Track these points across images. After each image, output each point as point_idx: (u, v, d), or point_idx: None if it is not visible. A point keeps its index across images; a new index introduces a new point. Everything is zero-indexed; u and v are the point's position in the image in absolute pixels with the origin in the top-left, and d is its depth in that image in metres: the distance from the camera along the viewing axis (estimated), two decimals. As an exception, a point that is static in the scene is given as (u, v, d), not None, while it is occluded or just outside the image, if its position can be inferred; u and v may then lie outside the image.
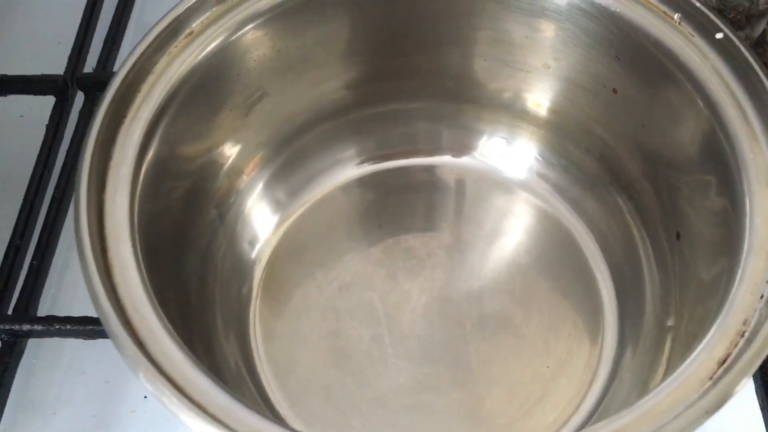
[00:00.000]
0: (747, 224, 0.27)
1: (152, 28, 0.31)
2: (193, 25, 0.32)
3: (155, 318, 0.25)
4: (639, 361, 0.34)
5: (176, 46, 0.31)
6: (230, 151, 0.36)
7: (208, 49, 0.32)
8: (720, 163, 0.29)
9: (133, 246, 0.27)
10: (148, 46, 0.31)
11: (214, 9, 0.32)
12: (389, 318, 0.37)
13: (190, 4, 0.32)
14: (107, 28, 0.47)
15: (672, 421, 0.23)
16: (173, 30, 0.31)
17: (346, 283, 0.38)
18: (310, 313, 0.37)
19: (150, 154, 0.30)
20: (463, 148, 0.41)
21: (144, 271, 0.27)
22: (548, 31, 0.35)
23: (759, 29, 0.43)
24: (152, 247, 0.29)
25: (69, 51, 0.45)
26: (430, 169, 0.41)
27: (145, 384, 0.24)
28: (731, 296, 0.25)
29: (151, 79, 0.30)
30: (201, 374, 0.24)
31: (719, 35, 0.30)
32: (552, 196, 0.40)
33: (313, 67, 0.36)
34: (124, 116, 0.29)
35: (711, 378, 0.24)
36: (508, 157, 0.41)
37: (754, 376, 0.34)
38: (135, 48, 0.30)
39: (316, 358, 0.36)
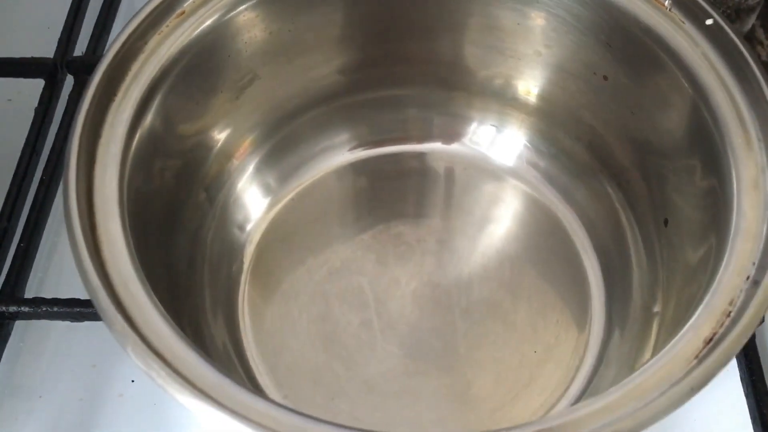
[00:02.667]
0: (734, 207, 0.27)
1: (143, 6, 0.31)
2: (185, 4, 0.32)
3: (144, 294, 0.25)
4: (626, 347, 0.34)
5: (167, 26, 0.31)
6: (220, 133, 0.36)
7: (200, 29, 0.32)
8: (708, 147, 0.29)
9: (122, 223, 0.27)
10: (139, 25, 0.30)
11: (205, -11, 0.32)
12: (378, 303, 0.37)
13: (182, -16, 0.32)
14: (98, 12, 0.47)
15: (658, 398, 0.23)
16: (164, 9, 0.31)
17: (335, 268, 0.38)
18: (299, 298, 0.37)
19: (139, 133, 0.30)
20: (453, 135, 0.41)
21: (133, 248, 0.26)
22: (539, 17, 0.35)
23: (748, 24, 0.43)
24: (141, 226, 0.29)
25: (59, 34, 0.45)
26: (420, 156, 0.41)
27: (133, 358, 0.24)
28: (718, 278, 0.26)
29: (141, 58, 0.30)
30: (190, 350, 0.24)
31: (709, 21, 0.30)
32: (541, 184, 0.40)
33: (305, 52, 0.36)
34: (115, 94, 0.29)
35: (697, 357, 0.24)
36: (498, 145, 0.41)
37: (739, 363, 0.35)
38: (126, 26, 0.30)
39: (305, 342, 0.36)
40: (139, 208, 0.29)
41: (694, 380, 0.23)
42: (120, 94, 0.29)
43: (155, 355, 0.24)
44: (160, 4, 0.31)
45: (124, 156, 0.28)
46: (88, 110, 0.28)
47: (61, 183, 0.40)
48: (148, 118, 0.30)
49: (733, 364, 0.35)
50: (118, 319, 0.24)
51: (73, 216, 0.26)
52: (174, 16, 0.31)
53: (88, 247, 0.25)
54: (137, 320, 0.25)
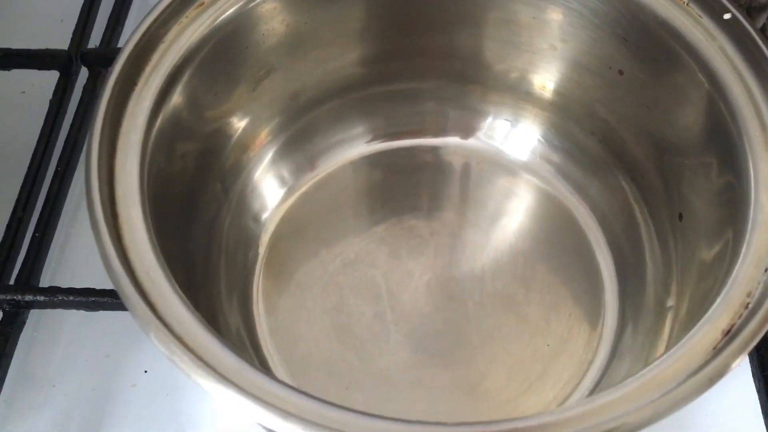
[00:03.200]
0: (752, 199, 0.27)
1: (163, -2, 0.31)
2: (204, -4, 0.32)
3: (165, 281, 0.25)
4: (639, 341, 0.34)
5: (187, 17, 0.31)
6: (238, 124, 0.36)
7: (219, 20, 0.32)
8: (725, 143, 0.29)
9: (143, 211, 0.27)
10: (159, 15, 0.31)
11: (225, -19, 0.32)
12: (392, 295, 0.37)
13: (201, -24, 0.32)
14: (112, 4, 0.47)
15: (675, 389, 0.23)
16: (184, 0, 0.31)
17: (349, 259, 0.38)
18: (313, 289, 0.37)
19: (159, 122, 0.30)
20: (468, 129, 0.41)
21: (154, 236, 0.27)
22: (556, 11, 0.35)
23: (760, 22, 0.43)
24: (160, 215, 0.29)
25: (73, 26, 0.45)
26: (435, 150, 0.41)
27: (156, 344, 0.24)
28: (735, 270, 0.26)
29: (161, 48, 0.30)
30: (211, 336, 0.24)
31: (727, 16, 0.30)
32: (555, 178, 0.40)
33: (322, 44, 0.36)
34: (135, 84, 0.29)
35: (715, 348, 0.24)
36: (512, 139, 0.41)
37: (751, 359, 0.35)
38: (146, 17, 0.30)
39: (319, 333, 0.36)
40: (158, 196, 0.29)
41: (713, 371, 0.23)
42: (140, 84, 0.29)
43: (178, 341, 0.24)
44: (180, -6, 0.31)
45: (145, 145, 0.29)
46: (110, 99, 0.28)
47: (78, 172, 0.41)
48: (169, 107, 0.30)
49: (745, 360, 0.35)
50: (141, 305, 0.24)
51: (95, 204, 0.26)
52: (194, 6, 0.31)
53: (110, 235, 0.25)
54: (159, 307, 0.25)
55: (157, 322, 0.24)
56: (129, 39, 0.30)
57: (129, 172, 0.28)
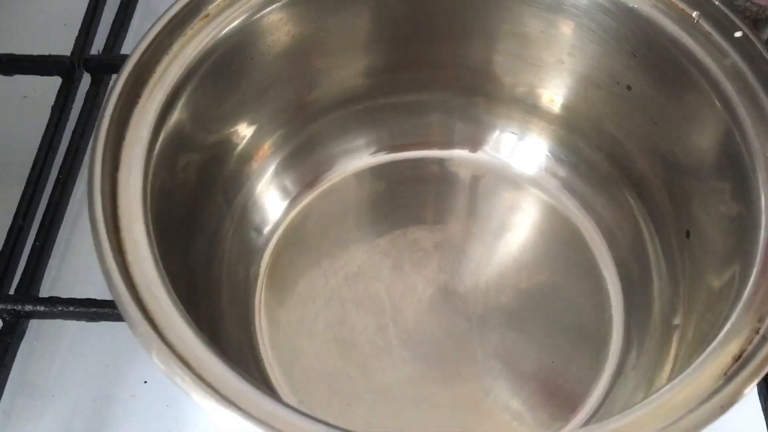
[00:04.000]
0: (762, 224, 0.27)
1: (168, 8, 0.31)
2: (210, 7, 0.32)
3: (167, 298, 0.25)
4: (644, 359, 0.34)
5: (192, 28, 0.31)
6: (241, 135, 0.36)
7: (224, 31, 0.32)
8: (735, 164, 0.29)
9: (146, 226, 0.27)
10: (164, 27, 0.30)
11: (230, -8, 0.32)
12: (395, 309, 0.37)
13: (206, -14, 0.31)
14: (115, 10, 0.47)
15: (686, 416, 0.23)
16: (189, 11, 0.31)
17: (352, 272, 0.38)
18: (315, 302, 0.37)
19: (163, 135, 0.29)
20: (474, 142, 0.41)
21: (156, 251, 0.26)
22: (564, 26, 0.35)
23: (765, 34, 0.43)
24: (162, 228, 0.28)
25: (76, 32, 0.44)
26: (440, 162, 0.41)
27: (158, 363, 0.24)
28: (746, 295, 0.26)
29: (166, 60, 0.30)
30: (213, 355, 0.24)
31: (738, 34, 0.30)
32: (561, 193, 0.40)
33: (328, 55, 0.36)
34: (139, 96, 0.29)
35: (725, 374, 0.24)
36: (518, 153, 0.41)
37: (760, 391, 0.34)
38: (151, 28, 0.30)
39: (321, 347, 0.36)
40: (160, 209, 0.29)
41: (724, 398, 0.23)
42: (144, 96, 0.29)
43: (180, 360, 0.23)
44: (186, 6, 0.31)
45: (148, 158, 0.28)
46: (113, 112, 0.28)
47: (80, 179, 0.40)
48: (172, 120, 0.30)
49: (754, 392, 0.34)
50: (142, 323, 0.24)
51: (98, 220, 0.26)
52: (198, 18, 0.31)
53: (113, 250, 0.25)
54: (161, 325, 0.24)
55: (159, 342, 0.24)
56: (134, 50, 0.29)
57: (132, 186, 0.27)
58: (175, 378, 0.23)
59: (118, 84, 0.28)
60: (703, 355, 0.24)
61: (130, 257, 0.26)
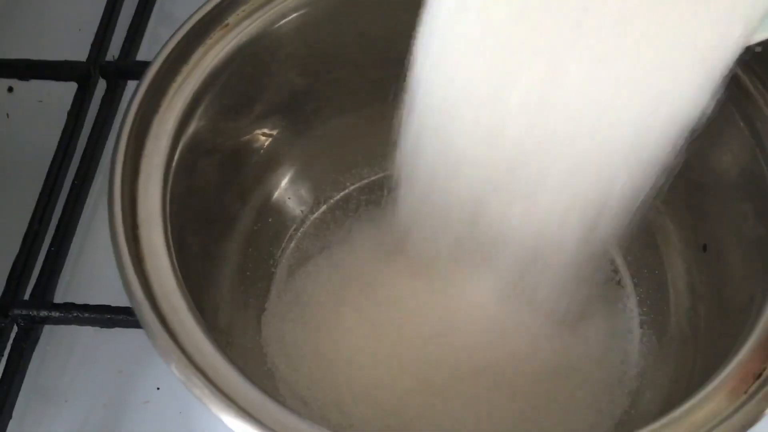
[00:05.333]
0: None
1: (188, 19, 0.31)
2: (229, 17, 0.32)
3: (186, 309, 0.25)
4: (661, 370, 0.33)
5: (211, 38, 0.31)
6: (259, 145, 0.36)
7: (243, 41, 0.32)
8: (757, 185, 0.29)
9: (165, 236, 0.27)
10: (184, 37, 0.30)
11: (250, 2, 0.32)
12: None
13: (226, -3, 0.31)
14: (131, 17, 0.47)
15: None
16: (209, 21, 0.31)
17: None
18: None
19: (182, 144, 0.30)
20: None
21: (175, 261, 0.26)
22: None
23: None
24: (179, 237, 0.28)
25: (91, 38, 0.44)
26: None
27: (176, 374, 0.24)
28: (766, 313, 0.25)
29: (185, 70, 0.30)
30: (232, 368, 0.24)
31: (758, 49, 0.30)
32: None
33: (346, 64, 0.36)
34: (159, 106, 0.29)
35: (746, 391, 0.23)
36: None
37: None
38: (170, 38, 0.30)
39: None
40: (179, 218, 0.29)
41: (744, 417, 0.23)
42: (164, 106, 0.29)
43: (198, 371, 0.23)
44: (205, 16, 0.31)
45: (167, 167, 0.28)
46: (133, 123, 0.28)
47: (95, 185, 0.40)
48: (192, 129, 0.30)
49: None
50: (162, 334, 0.24)
51: (117, 230, 0.26)
52: (218, 28, 0.31)
53: (132, 261, 0.25)
54: (180, 335, 0.25)
55: (179, 353, 0.24)
56: (154, 60, 0.29)
57: (151, 196, 0.27)
58: (195, 390, 0.23)
59: (138, 94, 0.29)
60: (725, 372, 0.24)
61: (149, 267, 0.26)
